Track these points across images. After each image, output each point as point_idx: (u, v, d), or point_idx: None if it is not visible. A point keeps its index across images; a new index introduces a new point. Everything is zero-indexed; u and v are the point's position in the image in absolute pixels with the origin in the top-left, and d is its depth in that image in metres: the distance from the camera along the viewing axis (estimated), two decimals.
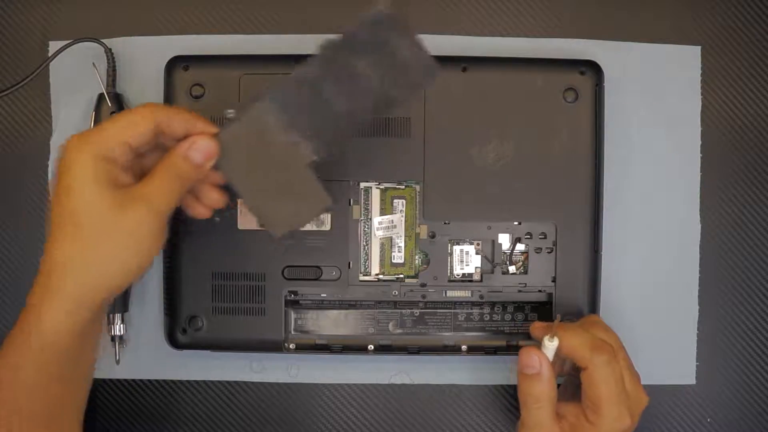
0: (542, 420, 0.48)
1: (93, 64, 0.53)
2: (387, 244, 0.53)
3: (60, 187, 0.42)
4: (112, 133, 0.43)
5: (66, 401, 0.46)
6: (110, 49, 0.54)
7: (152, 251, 0.44)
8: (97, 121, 0.53)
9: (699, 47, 0.56)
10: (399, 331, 0.54)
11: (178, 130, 0.44)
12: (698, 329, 0.56)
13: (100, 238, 0.42)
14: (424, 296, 0.53)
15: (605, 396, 0.46)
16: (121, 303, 0.54)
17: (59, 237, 0.42)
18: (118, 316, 0.54)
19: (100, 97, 0.53)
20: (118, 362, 0.54)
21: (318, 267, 0.53)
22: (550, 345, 0.47)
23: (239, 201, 0.52)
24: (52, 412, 0.45)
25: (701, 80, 0.56)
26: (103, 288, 0.43)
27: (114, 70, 0.54)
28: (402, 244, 0.53)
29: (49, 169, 0.55)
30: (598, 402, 0.46)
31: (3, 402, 0.43)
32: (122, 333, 0.54)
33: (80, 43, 0.53)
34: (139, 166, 0.45)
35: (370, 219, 0.53)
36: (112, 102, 0.53)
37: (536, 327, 0.50)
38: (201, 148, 0.44)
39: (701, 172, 0.56)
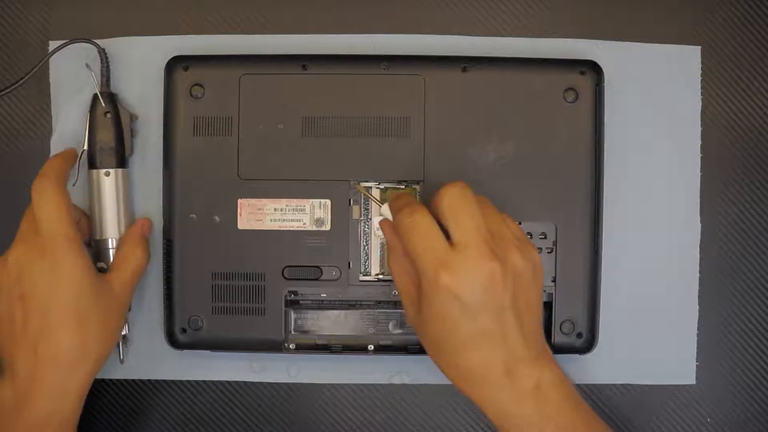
0: (397, 281, 0.48)
1: (86, 65, 0.53)
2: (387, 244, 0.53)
3: (53, 273, 0.46)
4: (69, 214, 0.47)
5: None
6: (104, 50, 0.53)
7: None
8: (93, 122, 0.53)
9: (699, 47, 0.56)
10: (399, 331, 0.54)
11: None
12: (698, 329, 0.56)
13: (97, 329, 0.47)
14: None
15: (409, 249, 0.44)
16: None
17: (59, 327, 0.45)
18: None
19: (95, 97, 0.53)
20: (122, 362, 0.54)
21: (318, 267, 0.53)
22: (383, 210, 0.48)
23: (240, 202, 0.53)
24: None
25: (701, 80, 0.56)
26: (92, 377, 0.48)
27: (108, 70, 0.53)
28: None
29: None
30: (412, 258, 0.44)
31: None
32: (126, 332, 0.54)
33: (79, 43, 0.53)
34: None
35: (370, 219, 0.53)
36: (106, 102, 0.53)
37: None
38: (149, 226, 0.54)
39: (701, 172, 0.56)
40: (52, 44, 0.55)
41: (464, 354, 0.44)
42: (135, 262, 0.51)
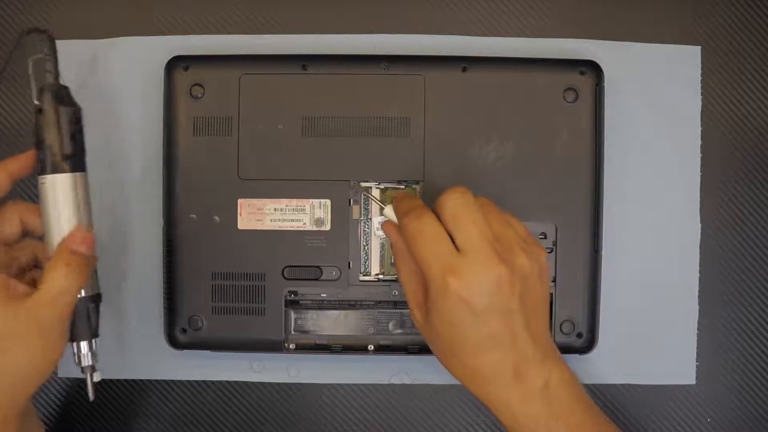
0: (404, 284, 0.46)
1: (30, 60, 0.45)
2: (387, 244, 0.53)
3: None
4: None
5: None
6: (52, 37, 0.45)
7: (61, 347, 0.44)
8: (36, 120, 0.44)
9: (699, 47, 0.56)
10: (399, 331, 0.53)
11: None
12: (698, 329, 0.56)
13: (16, 352, 0.42)
14: None
15: (416, 255, 0.43)
16: (86, 328, 0.45)
17: None
18: (84, 344, 0.45)
19: (39, 90, 0.44)
20: (91, 398, 0.46)
21: (318, 267, 0.53)
22: (386, 212, 0.47)
23: (240, 202, 0.52)
24: None
25: (701, 80, 0.56)
26: (9, 402, 0.43)
27: (56, 60, 0.45)
28: None
29: None
30: (418, 264, 0.44)
31: None
32: (93, 363, 0.45)
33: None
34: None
35: (370, 219, 0.53)
36: (42, 97, 0.44)
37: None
38: (82, 240, 0.44)
39: (701, 172, 0.56)
40: None
41: (473, 357, 0.44)
42: (56, 283, 0.43)
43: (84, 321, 0.45)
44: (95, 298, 0.45)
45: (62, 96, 0.44)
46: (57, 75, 0.45)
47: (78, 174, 0.45)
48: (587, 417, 0.44)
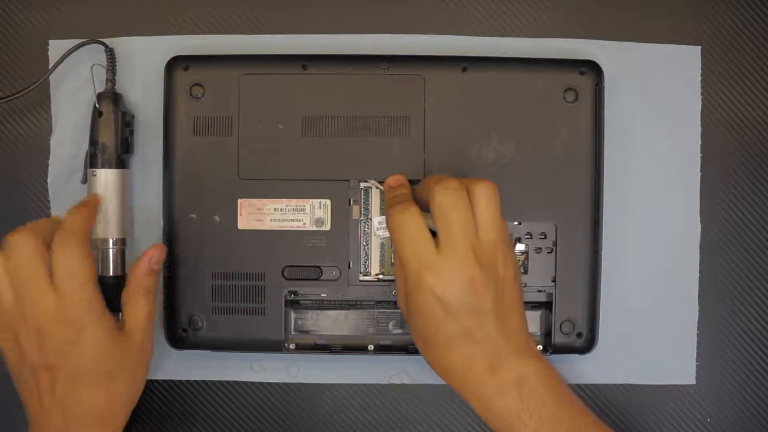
0: (395, 272, 0.48)
1: (91, 67, 0.53)
2: (387, 244, 0.53)
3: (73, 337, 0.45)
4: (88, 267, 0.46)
5: None
6: (112, 49, 0.53)
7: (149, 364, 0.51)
8: (92, 121, 0.52)
9: (699, 47, 0.56)
10: (399, 331, 0.53)
11: None
12: (698, 329, 0.56)
13: (126, 384, 0.48)
14: None
15: (396, 248, 0.45)
16: None
17: (88, 392, 0.46)
18: None
19: (99, 96, 0.53)
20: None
21: (318, 267, 0.53)
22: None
23: (240, 202, 0.52)
24: None
25: (701, 80, 0.56)
26: (122, 426, 0.49)
27: (114, 70, 0.53)
28: None
29: (49, 168, 0.55)
30: (398, 258, 0.45)
31: None
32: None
33: (71, 40, 0.53)
34: None
35: (370, 219, 0.53)
36: (102, 102, 0.52)
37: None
38: (157, 257, 0.50)
39: (701, 172, 0.56)
40: (53, 44, 0.55)
41: (447, 351, 0.45)
42: (143, 309, 0.49)
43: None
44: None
45: (118, 102, 0.53)
46: (114, 83, 0.53)
47: (125, 170, 0.53)
48: (563, 410, 0.45)
